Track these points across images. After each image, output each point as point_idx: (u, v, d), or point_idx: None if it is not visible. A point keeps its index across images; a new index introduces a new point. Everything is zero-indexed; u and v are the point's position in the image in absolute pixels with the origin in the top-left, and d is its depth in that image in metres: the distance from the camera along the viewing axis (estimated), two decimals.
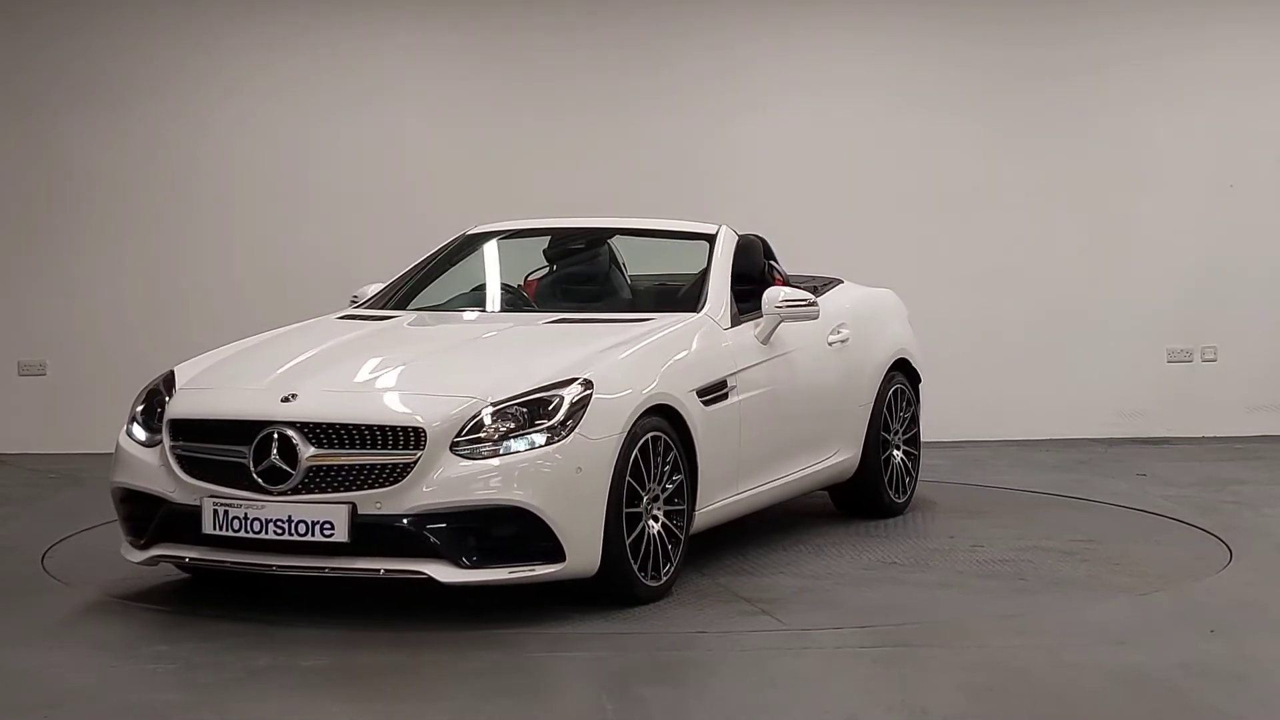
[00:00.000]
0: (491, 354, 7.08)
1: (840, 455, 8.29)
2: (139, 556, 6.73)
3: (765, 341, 7.64)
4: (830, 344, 8.19)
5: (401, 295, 8.03)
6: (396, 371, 6.79)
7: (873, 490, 8.54)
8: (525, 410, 6.38)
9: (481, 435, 6.32)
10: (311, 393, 6.52)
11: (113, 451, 6.94)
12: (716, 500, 7.13)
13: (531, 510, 6.27)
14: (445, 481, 6.26)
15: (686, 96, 11.46)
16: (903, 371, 8.84)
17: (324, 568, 6.34)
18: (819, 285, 8.46)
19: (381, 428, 6.31)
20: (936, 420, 11.42)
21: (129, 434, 6.84)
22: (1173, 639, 6.24)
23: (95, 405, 11.28)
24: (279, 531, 6.30)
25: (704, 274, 7.79)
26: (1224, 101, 11.64)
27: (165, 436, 6.63)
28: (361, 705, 5.49)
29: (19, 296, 11.32)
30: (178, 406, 6.69)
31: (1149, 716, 5.37)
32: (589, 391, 6.45)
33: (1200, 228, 11.68)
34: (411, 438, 6.28)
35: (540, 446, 6.32)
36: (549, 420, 6.36)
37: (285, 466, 6.33)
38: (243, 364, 7.06)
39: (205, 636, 6.37)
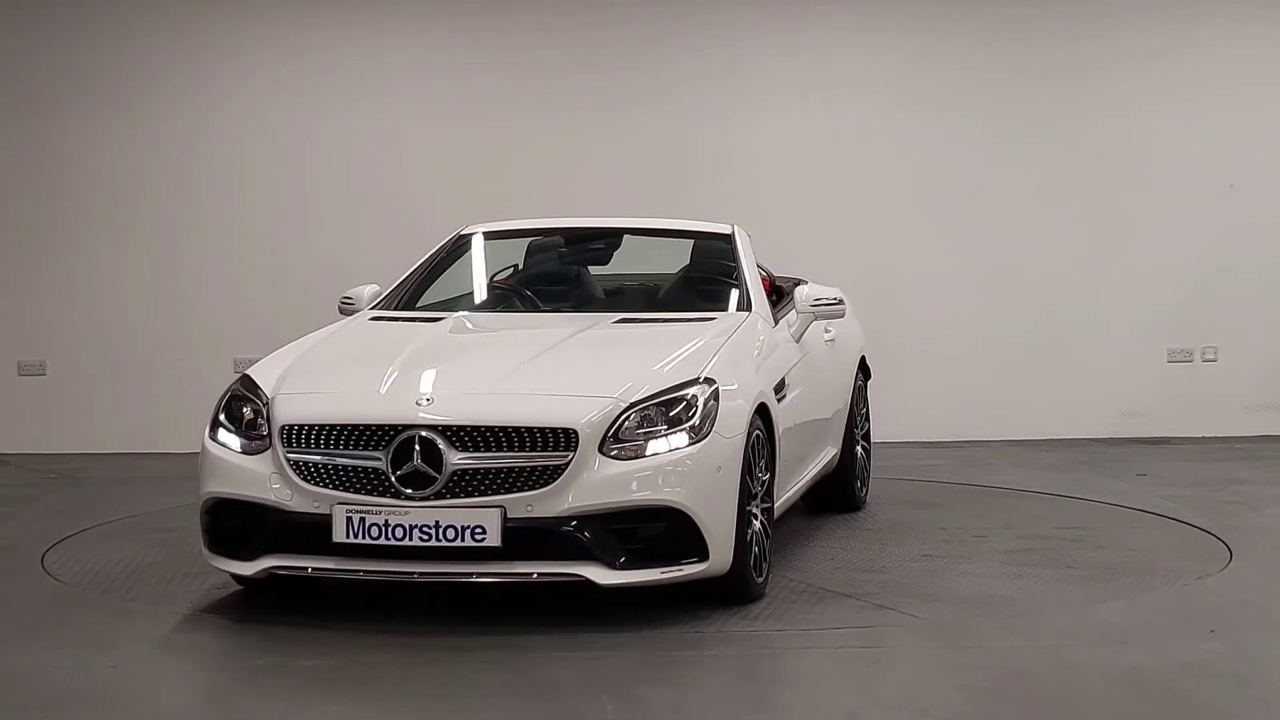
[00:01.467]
0: (598, 355, 7.01)
1: (830, 451, 8.38)
2: (246, 569, 6.41)
3: (798, 340, 7.74)
4: (825, 343, 8.23)
5: (414, 295, 7.95)
6: (521, 373, 6.63)
7: (847, 486, 8.68)
8: (662, 411, 6.37)
9: (624, 436, 6.28)
10: (449, 396, 6.38)
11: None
12: (779, 499, 7.18)
13: (683, 510, 6.25)
14: (597, 483, 6.19)
15: (686, 96, 11.46)
16: (860, 369, 8.92)
17: (472, 573, 6.19)
18: (789, 284, 8.46)
19: (531, 430, 6.18)
20: (936, 420, 11.44)
21: (218, 442, 6.56)
22: (1173, 639, 6.24)
23: (95, 405, 11.29)
24: (424, 538, 6.11)
25: (735, 273, 7.86)
26: (1224, 101, 11.65)
27: (278, 444, 6.34)
28: (361, 705, 5.49)
29: (19, 296, 11.32)
30: (290, 412, 6.39)
31: (1149, 717, 5.36)
32: (715, 391, 6.47)
33: (1200, 228, 11.69)
34: (563, 439, 6.19)
35: (684, 447, 6.30)
36: (687, 420, 6.35)
37: (430, 471, 6.16)
38: (338, 368, 6.89)
39: (205, 636, 6.37)
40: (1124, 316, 11.67)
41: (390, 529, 6.14)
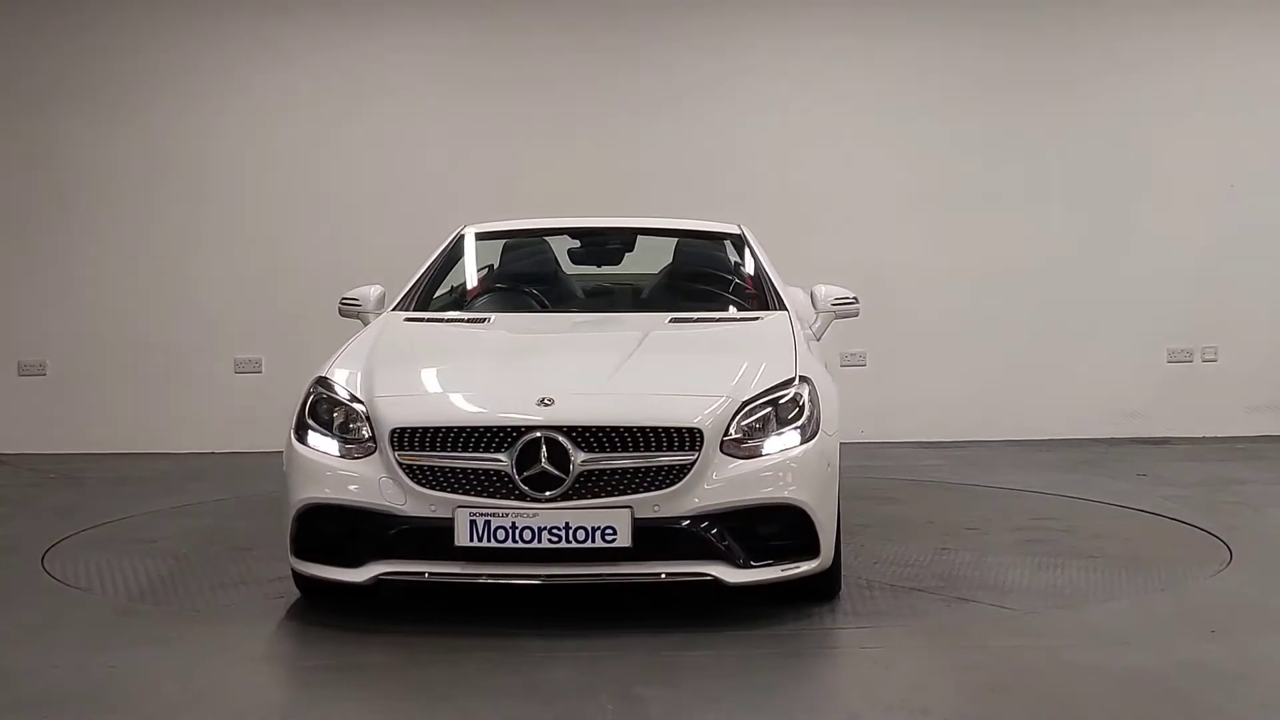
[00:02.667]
0: (685, 355, 7.01)
1: None
2: (352, 576, 6.25)
3: (819, 339, 7.77)
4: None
5: (431, 296, 7.90)
6: (628, 374, 6.58)
7: None
8: (772, 409, 6.38)
9: (741, 435, 6.28)
10: (568, 397, 6.27)
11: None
12: None
13: (803, 507, 6.27)
14: (722, 482, 6.17)
15: (688, 99, 11.48)
16: None
17: (601, 574, 6.12)
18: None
19: (656, 430, 6.15)
20: (937, 420, 11.45)
21: (311, 447, 6.40)
22: (1173, 639, 6.24)
23: (95, 405, 11.30)
24: (554, 540, 6.04)
25: (758, 272, 7.90)
26: (1224, 103, 11.66)
27: (387, 447, 6.20)
28: (362, 704, 5.49)
29: (19, 296, 11.32)
30: (401, 415, 6.24)
31: (1150, 717, 5.36)
32: (813, 389, 6.50)
33: (1200, 228, 11.70)
34: (688, 439, 6.17)
35: (798, 445, 6.32)
36: (798, 419, 6.38)
37: (557, 472, 6.09)
38: (425, 370, 6.77)
39: (204, 636, 6.37)
40: (1124, 316, 11.68)
41: (517, 531, 6.05)
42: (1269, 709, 5.45)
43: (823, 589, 6.62)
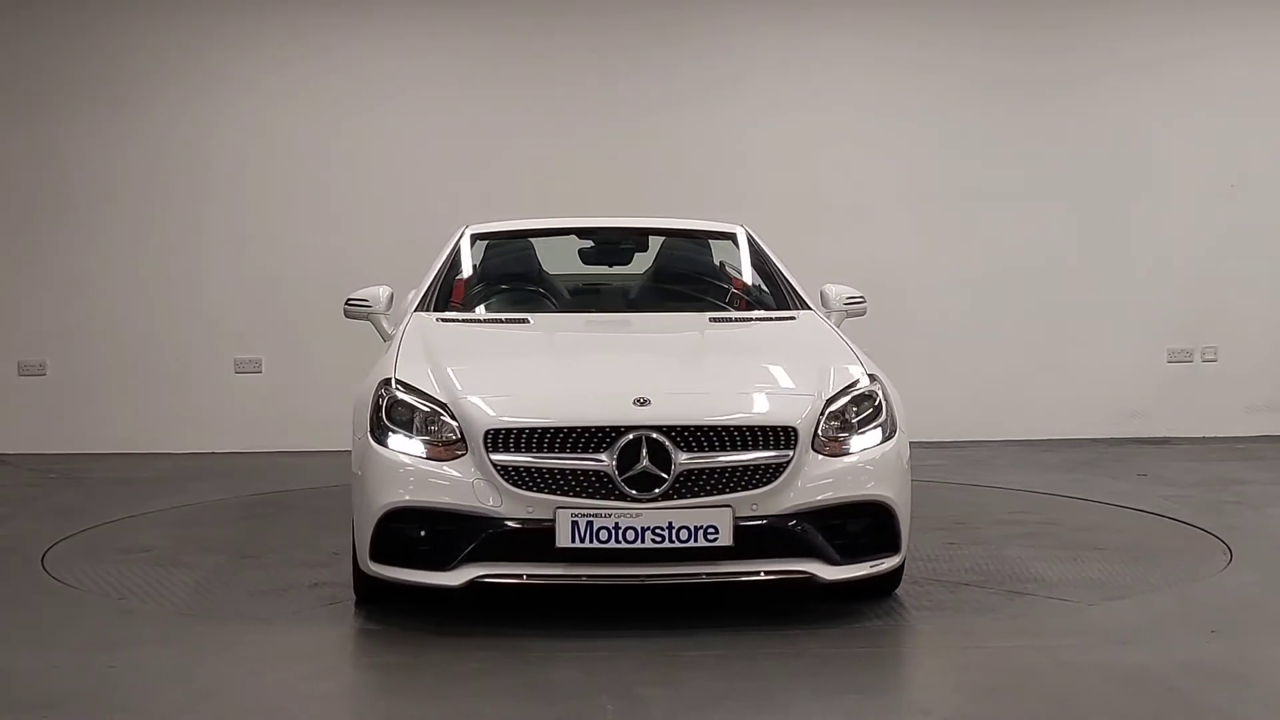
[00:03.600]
0: (754, 355, 7.01)
1: None
2: (446, 580, 6.14)
3: None
4: None
5: (447, 297, 7.76)
6: (710, 372, 6.60)
7: None
8: (853, 407, 6.42)
9: (828, 434, 6.31)
10: (663, 396, 6.23)
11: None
12: None
13: (889, 504, 6.33)
14: (816, 479, 6.20)
15: (689, 99, 11.48)
16: None
17: (701, 574, 6.11)
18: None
19: (753, 428, 6.16)
20: (937, 420, 11.45)
21: (392, 449, 6.25)
22: (1174, 639, 6.24)
23: (95, 405, 11.30)
24: (657, 540, 6.00)
25: (773, 271, 7.92)
26: (1224, 102, 11.66)
27: (480, 449, 6.10)
28: (361, 704, 5.48)
29: (19, 296, 11.32)
30: (494, 416, 6.16)
31: (1150, 717, 5.36)
32: (884, 387, 6.56)
33: (1200, 228, 11.70)
34: (783, 437, 6.18)
35: (880, 443, 6.38)
36: (879, 416, 6.44)
37: (659, 472, 6.06)
38: (500, 369, 6.70)
39: (204, 637, 6.36)
40: (1124, 316, 11.68)
41: (620, 532, 6.01)
42: (1269, 709, 5.45)
43: (894, 585, 6.71)
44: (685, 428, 6.09)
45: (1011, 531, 8.29)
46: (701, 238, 8.37)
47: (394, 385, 6.40)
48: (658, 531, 6.01)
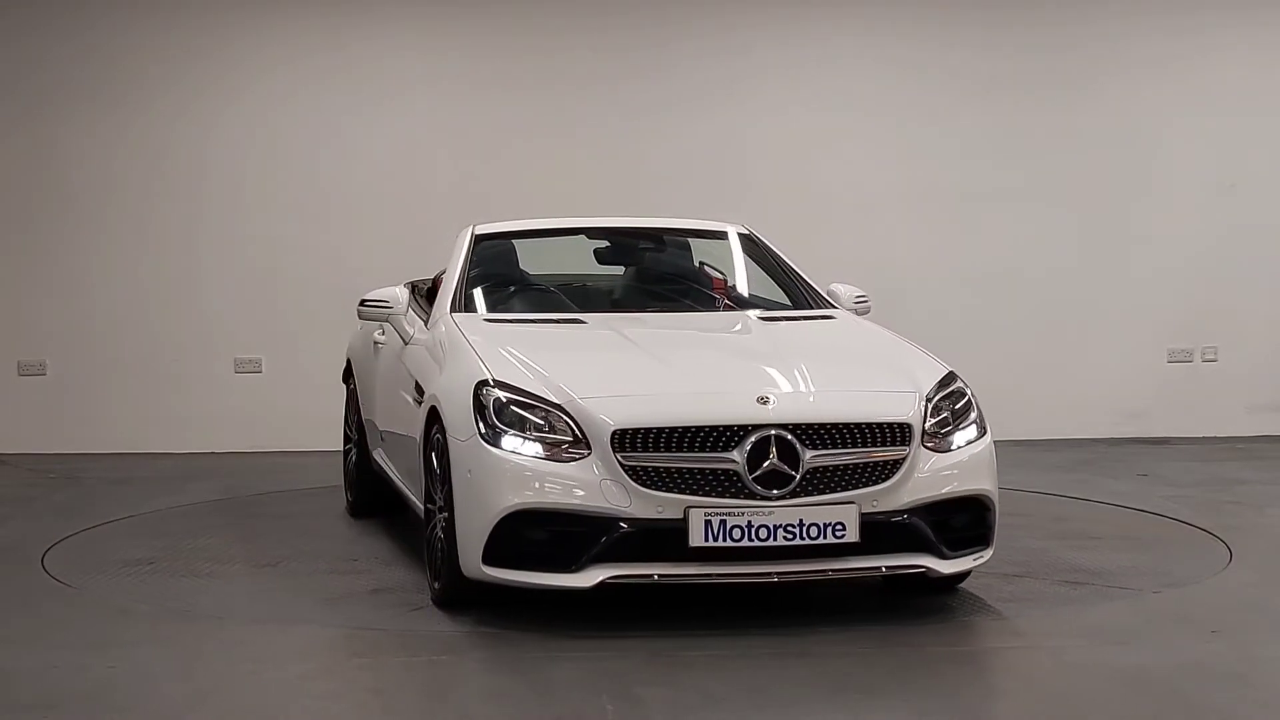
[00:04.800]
0: (835, 353, 7.07)
1: None
2: (575, 582, 6.11)
3: None
4: None
5: (473, 298, 7.66)
6: (815, 371, 6.59)
7: None
8: (949, 404, 6.56)
9: (933, 430, 6.43)
10: (783, 395, 6.30)
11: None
12: None
13: (990, 499, 6.53)
14: (927, 475, 6.32)
15: (690, 100, 11.47)
16: None
17: (828, 570, 6.18)
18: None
19: (873, 426, 6.25)
20: None
21: (508, 450, 6.19)
22: (1174, 639, 6.24)
23: (95, 405, 11.30)
24: (789, 537, 6.06)
25: (789, 270, 7.99)
26: (1225, 102, 11.66)
27: (608, 449, 6.08)
28: (361, 704, 5.48)
29: (19, 296, 11.32)
30: (622, 416, 6.13)
31: (1150, 717, 5.36)
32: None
33: (1201, 228, 11.70)
34: (899, 434, 6.29)
35: (976, 439, 6.58)
36: (971, 412, 6.62)
37: (788, 470, 6.11)
38: (613, 371, 6.61)
39: (203, 636, 6.37)
40: (1124, 316, 11.68)
41: (753, 530, 6.05)
42: (1269, 709, 5.44)
43: (960, 582, 6.81)
44: (810, 425, 6.16)
45: (1011, 532, 8.28)
46: (707, 237, 8.35)
47: (492, 388, 6.35)
48: (789, 529, 6.07)
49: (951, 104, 11.57)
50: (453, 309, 7.43)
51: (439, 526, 6.56)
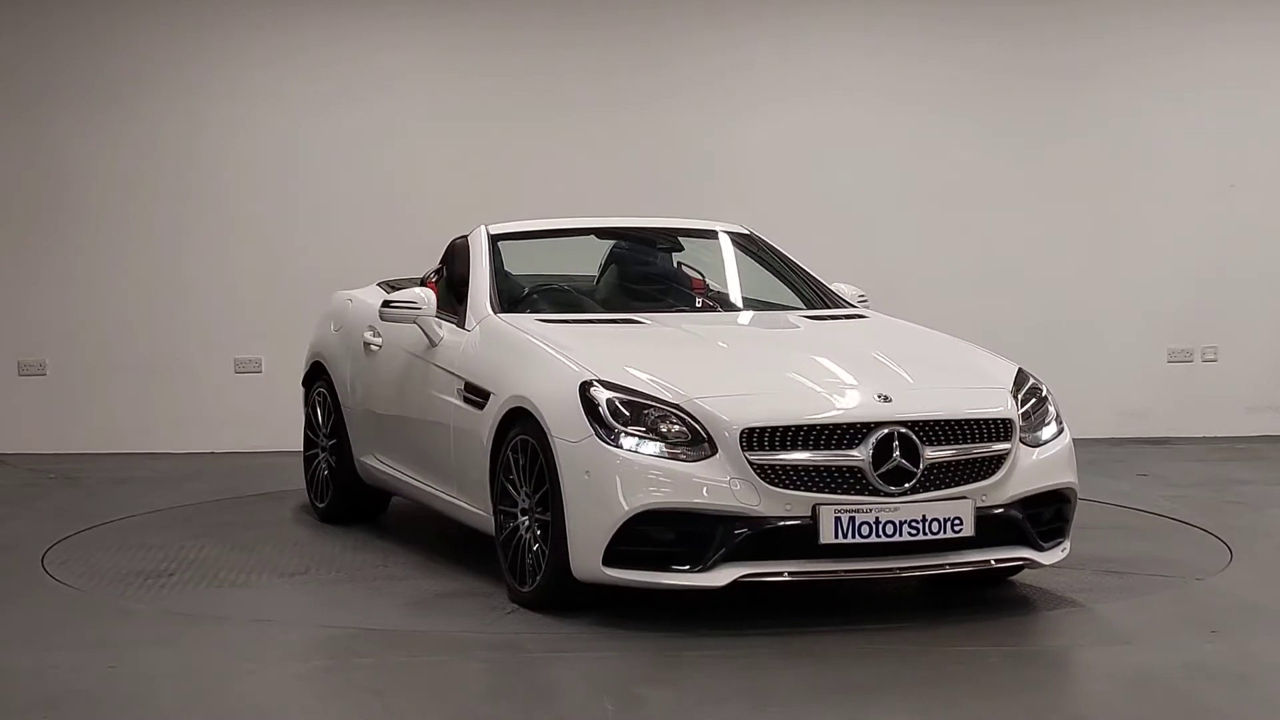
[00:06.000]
0: (910, 350, 7.11)
1: None
2: (711, 581, 6.11)
3: None
4: None
5: (507, 299, 7.58)
6: (918, 370, 6.71)
7: None
8: (1032, 399, 6.73)
9: (1026, 425, 6.60)
10: (900, 392, 6.40)
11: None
12: None
13: (1074, 491, 6.71)
14: (1024, 469, 6.48)
15: (686, 96, 11.45)
16: None
17: (945, 564, 6.31)
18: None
19: (979, 421, 6.40)
20: None
21: (629, 450, 6.19)
22: (1174, 639, 6.24)
23: (95, 405, 11.29)
24: (913, 532, 6.17)
25: (799, 270, 8.04)
26: (1225, 101, 11.65)
27: (737, 448, 6.13)
28: (361, 705, 5.48)
29: (19, 296, 11.31)
30: (750, 415, 6.17)
31: (1150, 717, 5.36)
32: None
33: (1201, 228, 11.69)
34: (1002, 429, 6.44)
35: (1059, 434, 6.74)
36: (1050, 407, 6.80)
37: (910, 466, 6.19)
38: (726, 370, 6.68)
39: (202, 636, 6.37)
40: (1124, 316, 11.67)
41: (880, 526, 6.14)
42: (1271, 709, 5.45)
43: (1013, 570, 6.83)
44: (927, 422, 6.28)
45: None
46: (708, 238, 8.33)
47: (603, 386, 6.34)
48: (913, 525, 6.17)
49: (951, 104, 11.56)
50: (495, 309, 7.37)
51: (527, 529, 6.53)
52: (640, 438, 6.20)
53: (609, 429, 6.23)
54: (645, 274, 8.04)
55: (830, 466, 6.15)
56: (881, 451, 6.17)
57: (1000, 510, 6.36)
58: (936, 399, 6.46)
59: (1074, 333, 11.66)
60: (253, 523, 8.66)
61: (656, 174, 11.35)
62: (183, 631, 6.43)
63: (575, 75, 11.42)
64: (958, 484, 6.28)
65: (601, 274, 8.07)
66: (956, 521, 6.23)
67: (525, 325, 7.16)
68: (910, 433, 6.21)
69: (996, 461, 6.38)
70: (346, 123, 11.33)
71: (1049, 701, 5.49)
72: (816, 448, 6.17)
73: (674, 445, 6.19)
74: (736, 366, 6.74)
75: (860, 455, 6.15)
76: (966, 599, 6.84)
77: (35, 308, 11.31)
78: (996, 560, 6.40)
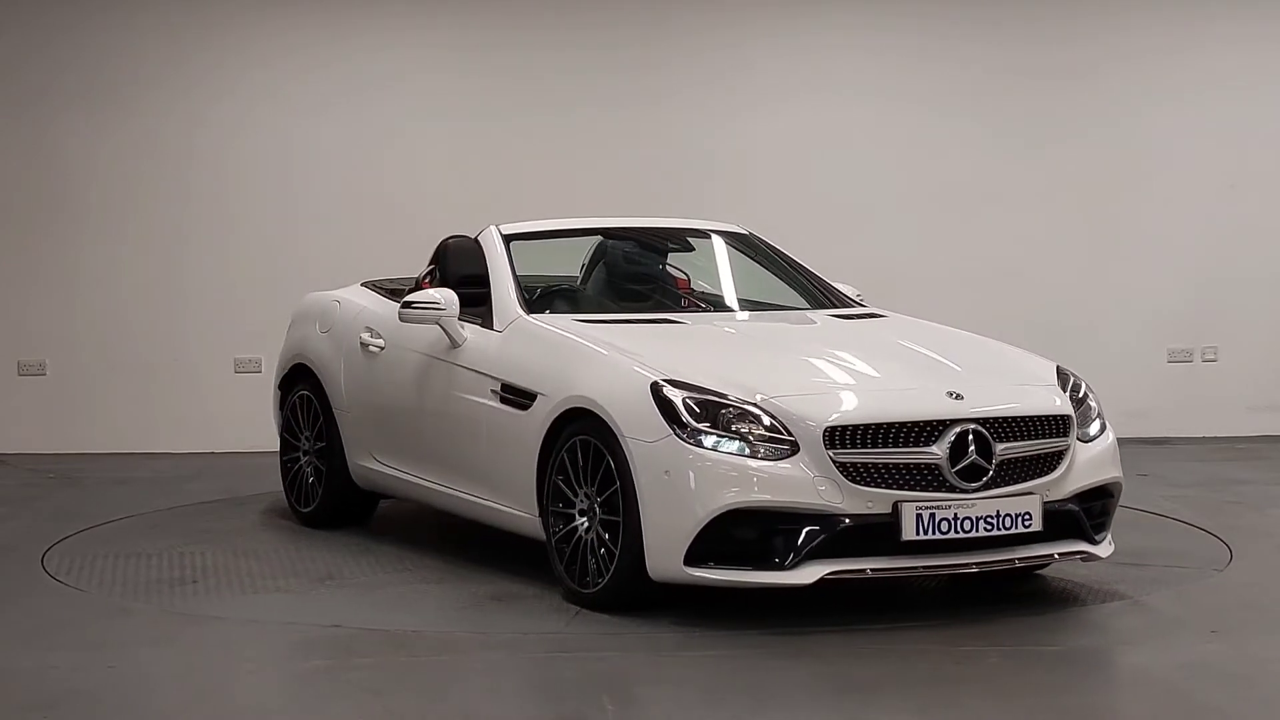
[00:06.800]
0: (947, 349, 7.16)
1: None
2: (798, 579, 6.13)
3: None
4: None
5: (538, 299, 7.60)
6: (970, 366, 6.86)
7: None
8: (1074, 396, 6.84)
9: (1078, 421, 6.75)
10: (967, 389, 6.50)
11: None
12: None
13: (1118, 486, 6.91)
14: (1083, 464, 6.66)
15: (685, 96, 11.45)
16: None
17: (1014, 559, 6.41)
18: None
19: (1042, 418, 6.53)
20: None
21: (712, 450, 6.21)
22: (1174, 639, 6.24)
23: (95, 405, 11.28)
24: (988, 528, 6.28)
25: (801, 272, 8.08)
26: (1225, 101, 11.65)
27: (820, 446, 6.17)
28: (361, 705, 5.48)
29: (19, 296, 11.31)
30: (833, 414, 6.24)
31: (1150, 717, 5.36)
32: None
33: (1201, 228, 11.69)
34: (1061, 425, 6.58)
35: (1101, 431, 6.91)
36: (1094, 403, 6.94)
37: (984, 463, 6.29)
38: (797, 368, 6.72)
39: (204, 636, 6.37)
40: (1124, 316, 11.67)
41: (958, 522, 6.24)
42: (1271, 709, 5.45)
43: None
44: (997, 419, 6.39)
45: None
46: (709, 238, 8.32)
47: (675, 385, 6.35)
48: (989, 520, 6.28)
49: (951, 104, 11.55)
50: (528, 310, 7.34)
51: (588, 530, 6.52)
52: (719, 436, 6.23)
53: (687, 428, 6.25)
54: (634, 274, 8.00)
55: (908, 464, 6.23)
56: (958, 448, 6.26)
57: (1061, 505, 6.49)
58: (1002, 396, 6.60)
59: (1074, 332, 11.65)
60: (252, 523, 8.66)
61: (656, 174, 11.34)
62: (183, 631, 6.43)
63: (574, 75, 11.41)
64: (1024, 480, 6.40)
65: (588, 274, 8.03)
66: (1026, 516, 6.35)
67: (566, 326, 7.15)
68: (983, 430, 6.31)
69: (1058, 457, 6.53)
70: (347, 122, 11.32)
71: (1049, 701, 5.49)
72: (895, 445, 6.24)
73: (755, 443, 6.22)
74: (799, 365, 6.79)
75: (938, 452, 6.25)
76: (966, 599, 6.84)
77: (35, 308, 11.31)
78: (1059, 554, 6.54)
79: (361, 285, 8.62)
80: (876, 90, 11.57)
